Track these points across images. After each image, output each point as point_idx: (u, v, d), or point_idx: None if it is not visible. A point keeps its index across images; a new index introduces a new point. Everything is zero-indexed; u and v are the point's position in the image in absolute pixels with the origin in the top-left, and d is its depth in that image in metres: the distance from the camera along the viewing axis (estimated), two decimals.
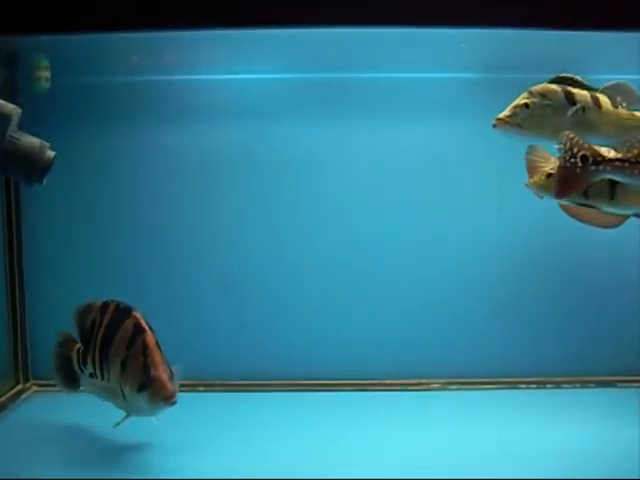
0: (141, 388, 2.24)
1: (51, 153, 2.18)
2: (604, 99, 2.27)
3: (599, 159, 2.04)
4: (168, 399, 2.21)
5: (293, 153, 3.04)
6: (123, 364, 2.31)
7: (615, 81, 2.30)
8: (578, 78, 2.28)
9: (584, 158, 2.04)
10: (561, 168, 2.08)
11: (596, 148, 2.06)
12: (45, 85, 2.93)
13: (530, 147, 2.31)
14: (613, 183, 2.20)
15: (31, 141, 2.15)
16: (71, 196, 3.07)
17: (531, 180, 2.33)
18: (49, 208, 3.07)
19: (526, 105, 2.21)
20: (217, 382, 3.04)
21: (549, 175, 2.29)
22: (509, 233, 3.04)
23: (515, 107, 2.23)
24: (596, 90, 2.29)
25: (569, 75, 2.29)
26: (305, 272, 3.08)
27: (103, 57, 2.82)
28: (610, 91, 2.29)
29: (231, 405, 2.88)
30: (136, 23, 2.17)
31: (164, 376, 2.24)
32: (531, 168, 2.34)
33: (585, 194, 2.23)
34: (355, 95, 3.01)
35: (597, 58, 2.77)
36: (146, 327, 2.34)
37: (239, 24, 2.21)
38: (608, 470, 2.21)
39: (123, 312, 2.40)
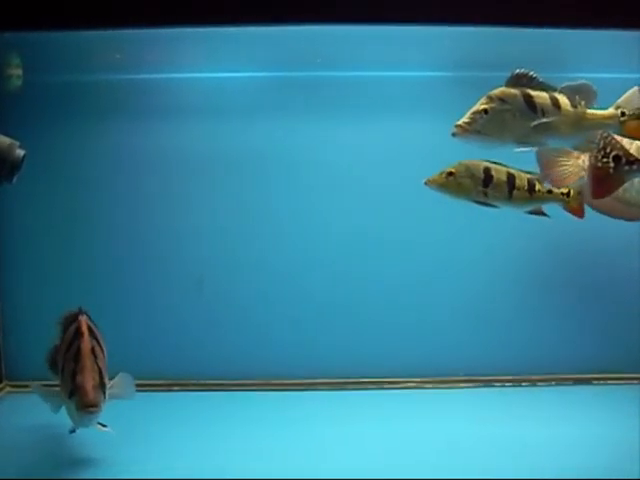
0: (70, 394, 2.17)
1: (20, 152, 2.15)
2: (563, 99, 2.23)
3: (632, 159, 2.01)
4: (86, 407, 2.09)
5: (270, 151, 3.03)
6: (62, 369, 2.27)
7: (573, 81, 2.27)
8: (534, 75, 2.23)
9: (617, 158, 2.01)
10: (594, 168, 2.04)
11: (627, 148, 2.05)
12: (16, 83, 2.91)
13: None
14: (512, 182, 2.30)
15: (0, 140, 2.13)
16: (46, 196, 3.04)
17: (430, 178, 2.33)
18: (23, 208, 3.04)
19: (485, 111, 2.16)
20: (192, 382, 3.03)
21: (450, 174, 2.31)
22: (484, 233, 3.03)
23: (474, 113, 2.17)
24: (555, 90, 2.25)
25: (525, 72, 2.24)
26: (282, 271, 3.07)
27: (78, 55, 2.78)
28: (568, 91, 2.25)
29: (204, 405, 2.86)
30: (112, 21, 2.16)
31: (88, 384, 2.12)
32: (548, 162, 2.29)
33: (485, 193, 2.30)
34: (331, 93, 3.01)
35: (569, 56, 2.81)
36: (85, 332, 2.27)
37: (217, 22, 2.22)
38: (584, 468, 2.21)
39: (73, 317, 2.35)
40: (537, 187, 2.38)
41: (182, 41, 2.63)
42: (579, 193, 2.40)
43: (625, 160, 2.02)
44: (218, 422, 2.66)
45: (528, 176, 2.38)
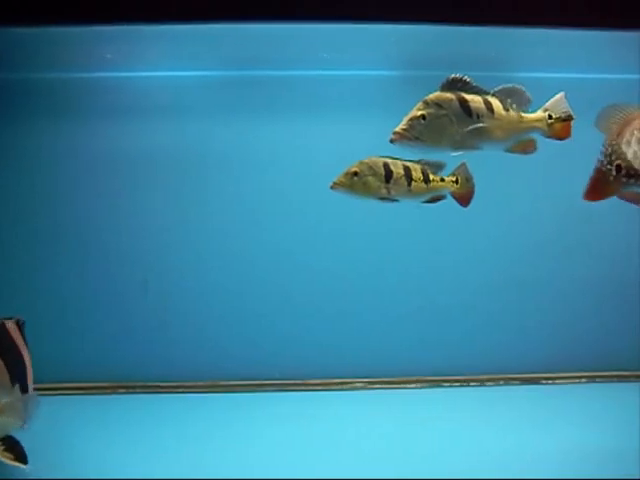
0: None
1: None
2: (496, 103, 2.23)
3: (632, 172, 2.01)
4: None
5: (218, 151, 3.02)
6: None
7: (506, 85, 2.26)
8: (468, 79, 2.22)
9: (619, 168, 2.02)
10: (598, 171, 2.05)
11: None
12: None
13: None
14: (409, 175, 2.32)
15: None
16: None
17: (336, 181, 2.32)
18: None
19: (423, 117, 2.14)
20: (138, 384, 3.00)
21: (355, 174, 2.30)
22: (431, 232, 3.04)
23: (412, 119, 2.14)
24: (487, 93, 2.24)
25: (460, 76, 2.22)
26: (228, 271, 3.04)
27: (26, 53, 2.74)
28: (501, 94, 2.25)
29: (151, 407, 2.83)
30: (65, 18, 2.13)
31: None
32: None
33: (387, 189, 2.31)
34: (281, 92, 3.00)
35: (517, 56, 2.82)
36: None
37: (169, 19, 2.19)
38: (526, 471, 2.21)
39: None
40: (431, 177, 2.40)
41: (135, 39, 2.60)
42: (467, 180, 2.43)
43: (625, 172, 2.02)
44: (163, 424, 2.63)
45: (420, 166, 2.40)
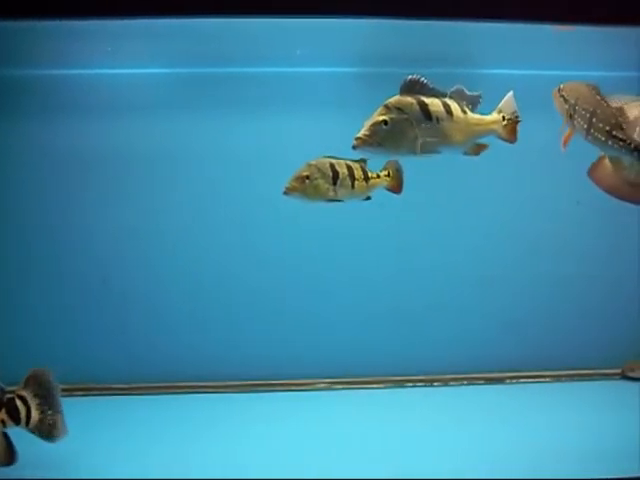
0: None
1: None
2: (454, 106, 2.21)
3: None
4: None
5: (170, 149, 2.98)
6: None
7: (459, 86, 2.24)
8: (426, 81, 2.18)
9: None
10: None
11: None
12: None
13: None
14: (352, 174, 2.34)
15: None
16: None
17: (289, 187, 2.31)
18: None
19: (385, 122, 2.10)
20: (95, 386, 2.95)
21: (306, 177, 2.30)
22: (397, 233, 3.04)
23: (374, 124, 2.10)
24: (445, 95, 2.21)
25: (417, 78, 2.18)
26: (188, 270, 3.01)
27: None
28: (457, 96, 2.23)
29: (108, 410, 2.78)
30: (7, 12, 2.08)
31: None
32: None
33: (334, 190, 2.33)
34: (237, 89, 2.96)
35: (478, 52, 2.82)
36: None
37: (117, 14, 2.15)
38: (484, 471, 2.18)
39: None
40: (369, 174, 2.42)
41: (79, 35, 2.56)
42: (397, 170, 2.46)
43: None
44: (124, 425, 2.60)
45: (360, 165, 2.41)
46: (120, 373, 2.96)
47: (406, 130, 2.11)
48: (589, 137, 2.13)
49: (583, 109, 2.12)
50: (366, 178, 2.41)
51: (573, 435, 2.44)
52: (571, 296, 3.12)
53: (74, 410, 2.71)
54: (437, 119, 2.15)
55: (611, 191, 2.26)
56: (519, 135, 2.27)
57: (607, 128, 2.08)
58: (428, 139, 2.14)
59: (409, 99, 2.14)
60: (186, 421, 2.64)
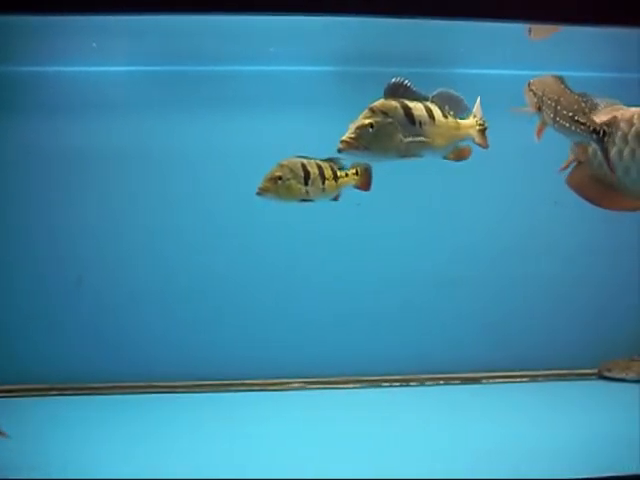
0: None
1: None
2: (436, 110, 2.20)
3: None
4: None
5: (145, 148, 2.97)
6: None
7: (441, 89, 2.23)
8: (409, 84, 2.16)
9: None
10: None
11: None
12: None
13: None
14: (322, 174, 2.35)
15: None
16: None
17: (262, 187, 2.30)
18: None
19: (371, 125, 2.08)
20: (70, 386, 2.93)
21: (279, 178, 2.29)
22: (366, 234, 3.04)
23: (360, 127, 2.07)
24: (426, 99, 2.20)
25: (401, 81, 2.16)
26: (163, 271, 3.00)
27: None
28: (438, 100, 2.22)
29: (82, 409, 2.76)
30: None
31: None
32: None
33: (306, 191, 2.33)
34: (211, 87, 2.96)
35: (457, 51, 2.80)
36: None
37: (106, 11, 2.12)
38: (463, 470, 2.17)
39: None
40: (338, 173, 2.42)
41: (50, 32, 2.55)
42: (365, 169, 2.46)
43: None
44: (96, 425, 2.57)
45: (329, 164, 2.41)
46: (94, 373, 2.95)
47: (391, 134, 2.10)
48: (555, 125, 2.18)
49: (549, 99, 2.19)
50: (335, 177, 2.41)
51: (549, 434, 2.42)
52: (548, 297, 3.13)
53: (48, 409, 2.75)
54: (420, 123, 2.15)
55: (590, 198, 2.28)
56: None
57: (570, 114, 2.14)
58: (412, 143, 2.13)
59: (393, 103, 2.13)
60: (162, 421, 2.63)
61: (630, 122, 2.08)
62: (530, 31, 2.42)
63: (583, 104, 2.13)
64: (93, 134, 2.95)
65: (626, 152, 2.09)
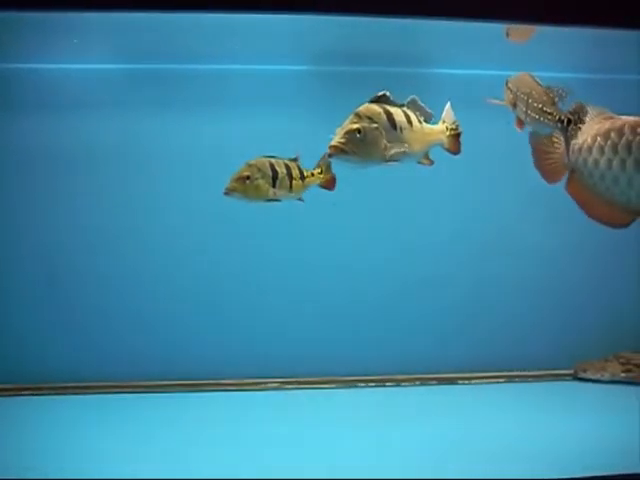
0: None
1: None
2: (412, 115, 2.23)
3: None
4: None
5: (115, 146, 2.97)
6: None
7: (413, 96, 2.26)
8: (388, 94, 2.18)
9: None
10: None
11: None
12: None
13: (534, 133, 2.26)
14: (290, 174, 2.38)
15: None
16: None
17: (230, 187, 2.30)
18: None
19: (359, 130, 2.09)
20: (45, 385, 2.91)
21: (247, 177, 2.30)
22: (342, 233, 3.04)
23: (348, 132, 2.08)
24: (402, 106, 2.22)
25: (384, 92, 2.18)
26: (136, 268, 2.99)
27: None
28: (412, 106, 2.25)
29: (56, 409, 2.74)
30: None
31: None
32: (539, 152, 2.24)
33: (274, 192, 2.35)
34: (190, 86, 2.95)
35: (432, 51, 2.80)
36: None
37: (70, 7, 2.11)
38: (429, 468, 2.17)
39: None
40: (305, 173, 2.45)
41: (28, 28, 2.52)
42: (328, 167, 2.49)
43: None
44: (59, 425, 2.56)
45: (296, 164, 2.44)
46: (66, 373, 2.93)
47: (376, 139, 2.12)
48: (528, 119, 2.26)
49: (522, 93, 2.27)
50: (302, 177, 2.43)
51: (523, 435, 2.43)
52: (523, 297, 3.13)
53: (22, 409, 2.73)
54: (401, 128, 2.18)
55: (585, 208, 2.26)
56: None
57: (540, 106, 2.22)
58: (394, 148, 2.16)
59: (377, 108, 2.15)
60: (133, 421, 2.62)
61: (621, 131, 2.05)
62: (507, 33, 2.46)
63: (551, 95, 2.21)
64: (65, 132, 2.94)
65: (615, 162, 2.06)
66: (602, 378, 3.03)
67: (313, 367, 3.01)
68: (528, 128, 2.31)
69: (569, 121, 2.18)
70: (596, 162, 2.09)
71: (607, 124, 2.09)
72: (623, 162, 2.05)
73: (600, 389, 2.98)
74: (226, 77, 2.95)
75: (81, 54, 2.83)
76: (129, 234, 2.98)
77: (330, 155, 2.10)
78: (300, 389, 2.97)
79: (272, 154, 2.37)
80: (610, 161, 2.08)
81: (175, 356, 2.98)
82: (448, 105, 2.33)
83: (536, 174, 2.22)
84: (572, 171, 2.17)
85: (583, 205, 2.19)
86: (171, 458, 2.25)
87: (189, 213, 2.99)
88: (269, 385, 2.98)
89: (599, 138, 2.07)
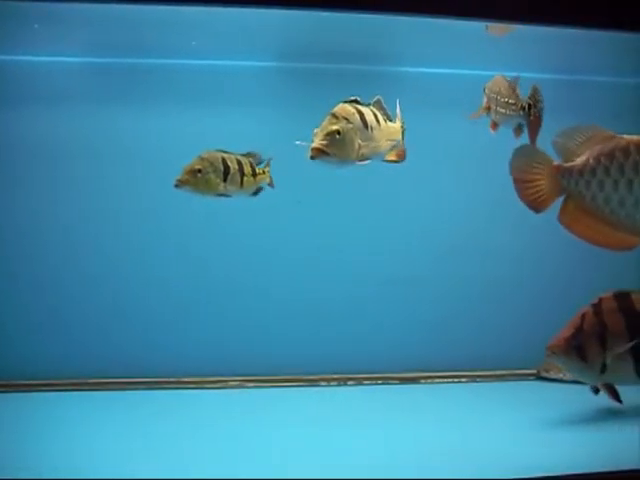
0: None
1: None
2: (379, 115, 2.27)
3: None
4: None
5: (86, 139, 2.94)
6: None
7: (378, 97, 2.29)
8: (358, 99, 2.22)
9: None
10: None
11: None
12: None
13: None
14: (242, 170, 2.41)
15: None
16: None
17: (180, 179, 2.31)
18: None
19: (338, 132, 2.11)
20: (32, 382, 2.90)
21: (198, 171, 2.30)
22: (311, 230, 3.03)
23: (328, 134, 2.10)
24: (369, 106, 2.26)
25: (354, 97, 2.23)
26: (103, 266, 2.98)
27: None
28: (377, 106, 2.29)
29: (17, 407, 2.72)
30: None
31: None
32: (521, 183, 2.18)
33: (225, 187, 2.38)
34: (157, 81, 2.95)
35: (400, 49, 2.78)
36: None
37: None
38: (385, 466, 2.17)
39: None
40: (256, 170, 2.48)
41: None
42: (267, 165, 2.56)
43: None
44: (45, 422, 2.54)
45: (249, 160, 2.46)
46: (51, 370, 2.92)
47: (352, 139, 2.14)
48: (497, 116, 2.39)
49: (493, 92, 2.41)
50: (254, 174, 2.45)
51: (483, 434, 2.43)
52: (486, 298, 3.14)
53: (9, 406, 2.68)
54: (371, 128, 2.21)
55: (584, 235, 2.18)
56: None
57: (506, 100, 2.36)
58: (367, 147, 2.19)
59: (351, 108, 2.18)
60: (103, 419, 2.59)
61: (627, 151, 1.97)
62: (487, 27, 2.46)
63: (511, 86, 2.37)
64: (36, 126, 2.93)
65: (622, 183, 1.98)
66: (564, 378, 3.02)
67: (275, 365, 3.00)
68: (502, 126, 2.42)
69: (529, 106, 2.32)
70: (601, 184, 2.00)
71: (611, 144, 2.00)
72: (630, 183, 1.97)
73: (562, 389, 2.98)
74: (195, 71, 2.94)
75: (44, 45, 2.81)
76: (109, 228, 2.98)
77: (312, 157, 2.10)
78: (262, 387, 2.96)
79: (224, 148, 2.39)
80: (616, 182, 1.99)
81: (143, 354, 2.97)
82: (397, 102, 2.36)
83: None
84: (567, 198, 2.06)
85: (583, 233, 2.08)
86: (132, 455, 2.23)
87: (140, 209, 2.98)
88: (229, 383, 2.97)
89: (603, 159, 1.98)
